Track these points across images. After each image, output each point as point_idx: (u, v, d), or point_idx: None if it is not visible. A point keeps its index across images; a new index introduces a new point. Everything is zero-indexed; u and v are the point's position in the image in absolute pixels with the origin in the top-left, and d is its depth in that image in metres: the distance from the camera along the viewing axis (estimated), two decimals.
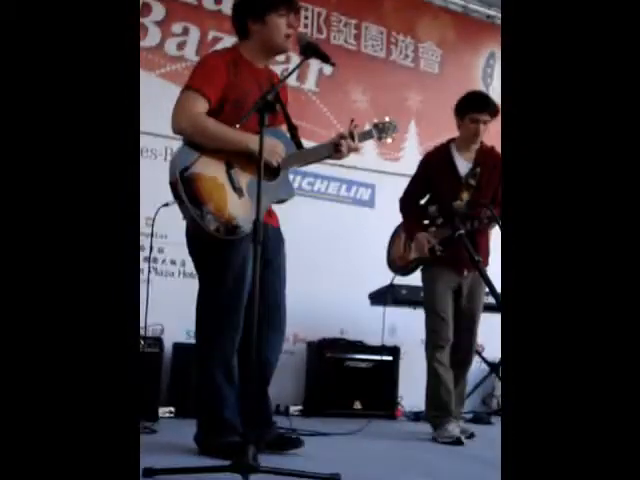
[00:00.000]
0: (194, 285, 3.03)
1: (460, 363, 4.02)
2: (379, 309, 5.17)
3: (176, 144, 4.84)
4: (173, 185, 2.80)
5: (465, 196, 3.89)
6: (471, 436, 3.93)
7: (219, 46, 5.08)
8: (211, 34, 5.23)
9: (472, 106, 3.93)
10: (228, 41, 5.11)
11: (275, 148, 2.95)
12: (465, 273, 3.93)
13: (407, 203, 4.14)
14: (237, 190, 2.88)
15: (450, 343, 3.93)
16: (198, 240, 2.91)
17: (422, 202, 4.14)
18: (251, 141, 2.81)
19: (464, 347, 4.00)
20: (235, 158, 2.89)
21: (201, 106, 2.87)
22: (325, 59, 2.89)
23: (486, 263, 3.91)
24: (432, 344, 3.96)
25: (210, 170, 2.86)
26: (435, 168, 4.04)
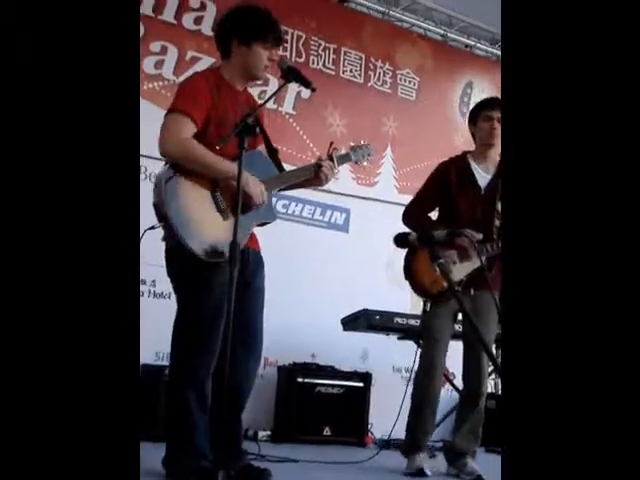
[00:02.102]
0: (164, 305, 2.99)
1: (470, 396, 3.75)
2: (351, 334, 5.15)
3: (152, 163, 4.84)
4: (158, 206, 2.76)
5: (500, 210, 3.60)
6: (479, 478, 3.58)
7: (197, 66, 5.06)
8: (189, 54, 5.20)
9: (483, 105, 3.78)
10: (207, 61, 5.10)
11: (259, 187, 2.89)
12: (472, 292, 3.62)
13: (419, 215, 3.78)
14: (222, 212, 2.86)
15: (438, 369, 3.67)
16: (180, 261, 2.86)
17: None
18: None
19: (473, 377, 3.71)
20: (220, 182, 2.85)
21: (188, 129, 2.83)
22: (306, 84, 2.90)
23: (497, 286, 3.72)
24: (419, 369, 3.70)
25: (195, 192, 2.83)
26: (451, 179, 3.75)
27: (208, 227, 2.81)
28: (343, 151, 3.33)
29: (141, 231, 2.77)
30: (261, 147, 3.07)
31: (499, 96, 6.47)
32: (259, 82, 4.14)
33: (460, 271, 3.59)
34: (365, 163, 3.42)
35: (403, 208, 3.92)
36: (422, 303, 3.74)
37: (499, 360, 4.09)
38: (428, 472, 3.55)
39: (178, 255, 2.83)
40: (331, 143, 3.22)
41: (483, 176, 3.75)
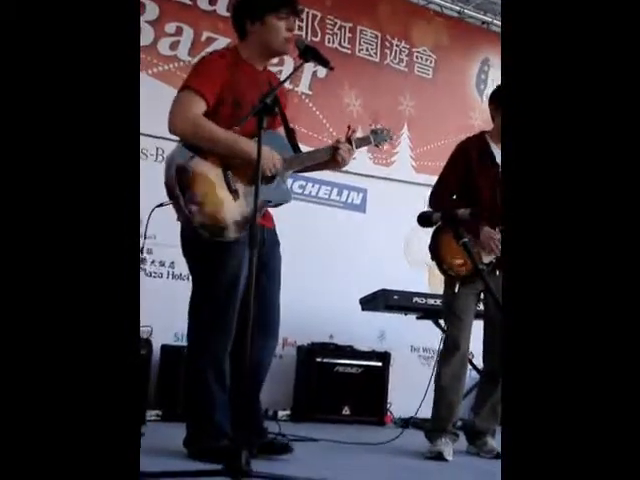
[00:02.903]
0: (183, 287, 3.00)
1: (491, 375, 3.72)
2: (368, 314, 5.15)
3: (167, 144, 4.83)
4: (169, 185, 2.77)
5: None
6: (499, 456, 3.49)
7: (213, 47, 5.05)
8: (205, 34, 5.18)
9: None
10: (222, 42, 5.09)
11: (272, 157, 2.89)
12: (498, 273, 3.57)
13: (444, 197, 3.74)
14: (233, 192, 2.85)
15: (464, 350, 3.62)
16: (194, 241, 2.87)
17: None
18: (248, 147, 2.78)
19: (496, 358, 3.64)
20: (232, 161, 2.85)
21: (199, 107, 2.83)
22: (324, 63, 2.88)
23: None
24: (443, 348, 3.66)
25: (206, 171, 2.82)
26: (471, 157, 3.69)
27: (219, 207, 2.80)
28: (361, 133, 3.31)
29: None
30: (280, 129, 3.06)
31: None
32: (273, 62, 4.12)
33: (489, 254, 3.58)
34: (385, 147, 3.41)
35: (420, 187, 3.91)
36: (444, 283, 3.73)
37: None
38: (448, 457, 3.46)
39: (191, 235, 2.84)
40: (349, 126, 3.19)
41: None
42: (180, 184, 2.74)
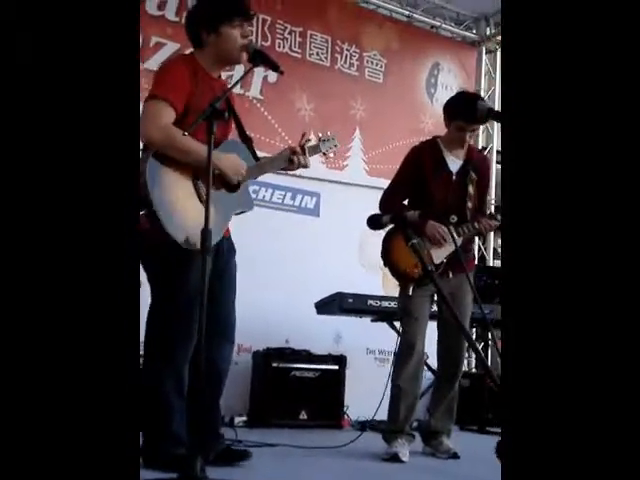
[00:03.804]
0: None
1: (447, 376, 3.79)
2: (323, 317, 5.16)
3: None
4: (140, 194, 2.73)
5: (472, 192, 3.71)
6: (455, 456, 3.66)
7: (161, 52, 5.02)
8: (154, 39, 5.13)
9: (461, 114, 3.66)
10: (171, 47, 5.06)
11: (238, 166, 2.90)
12: (450, 275, 3.67)
13: (395, 200, 3.78)
14: (204, 202, 2.84)
15: (419, 351, 3.65)
16: (158, 250, 2.83)
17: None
18: (218, 158, 2.77)
19: (451, 359, 3.75)
20: (201, 170, 2.83)
21: (169, 116, 2.81)
22: (274, 67, 2.89)
23: (471, 267, 3.77)
24: (399, 350, 3.69)
25: (177, 180, 2.81)
26: (425, 164, 3.74)
27: (190, 216, 2.79)
28: (313, 141, 3.33)
29: None
30: (233, 135, 3.05)
31: (466, 77, 6.52)
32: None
33: (439, 254, 3.62)
34: (332, 155, 3.44)
35: (373, 191, 3.93)
36: (399, 286, 3.75)
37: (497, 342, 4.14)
38: (404, 459, 3.50)
39: (158, 243, 2.80)
40: (303, 134, 3.21)
41: (454, 161, 3.78)
42: (152, 193, 2.70)
